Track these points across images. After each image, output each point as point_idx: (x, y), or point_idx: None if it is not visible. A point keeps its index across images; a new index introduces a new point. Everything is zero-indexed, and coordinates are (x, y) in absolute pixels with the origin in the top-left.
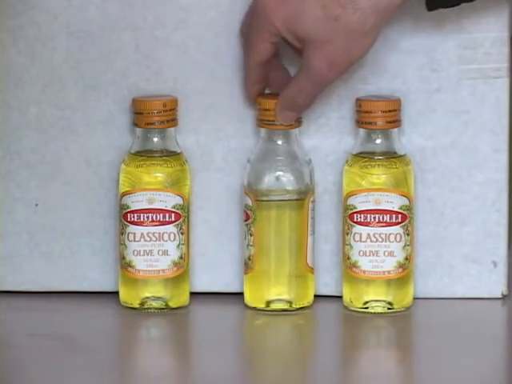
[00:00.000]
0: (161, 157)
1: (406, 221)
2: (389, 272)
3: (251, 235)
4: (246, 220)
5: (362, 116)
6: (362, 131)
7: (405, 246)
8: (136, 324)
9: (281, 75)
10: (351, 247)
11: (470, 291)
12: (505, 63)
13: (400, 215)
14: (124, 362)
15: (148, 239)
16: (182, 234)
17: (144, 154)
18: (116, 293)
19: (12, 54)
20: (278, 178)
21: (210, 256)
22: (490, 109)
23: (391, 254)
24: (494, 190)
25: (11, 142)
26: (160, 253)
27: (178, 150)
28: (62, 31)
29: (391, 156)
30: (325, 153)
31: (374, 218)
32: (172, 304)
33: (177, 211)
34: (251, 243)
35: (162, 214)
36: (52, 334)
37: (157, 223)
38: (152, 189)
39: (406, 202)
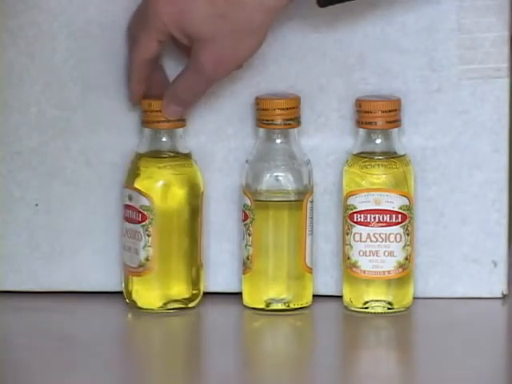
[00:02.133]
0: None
1: (406, 221)
2: (389, 272)
3: (249, 235)
4: (244, 220)
5: (362, 116)
6: (361, 131)
7: (405, 245)
8: (136, 324)
9: (162, 78)
10: (351, 247)
11: (469, 291)
12: (505, 63)
13: (400, 215)
14: (124, 362)
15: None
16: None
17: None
18: (116, 293)
19: (12, 54)
20: (276, 178)
21: (209, 256)
22: (490, 109)
23: (391, 253)
24: (493, 190)
25: (11, 142)
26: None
27: (187, 151)
28: (61, 31)
29: (391, 156)
30: (325, 153)
31: (374, 217)
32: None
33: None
34: (249, 243)
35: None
36: (52, 334)
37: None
38: None
39: (405, 201)
